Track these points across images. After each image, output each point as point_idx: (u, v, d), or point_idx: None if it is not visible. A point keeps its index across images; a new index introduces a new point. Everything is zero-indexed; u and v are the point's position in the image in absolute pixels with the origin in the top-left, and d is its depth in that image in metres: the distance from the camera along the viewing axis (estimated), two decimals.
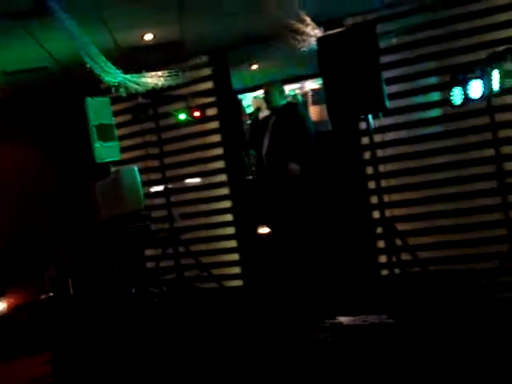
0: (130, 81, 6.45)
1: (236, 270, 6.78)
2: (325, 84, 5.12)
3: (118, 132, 7.27)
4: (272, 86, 5.54)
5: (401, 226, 5.40)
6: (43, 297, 6.33)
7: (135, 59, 6.49)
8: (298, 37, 5.48)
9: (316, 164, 5.45)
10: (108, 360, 4.81)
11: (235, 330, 4.92)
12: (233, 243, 6.82)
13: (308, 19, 5.33)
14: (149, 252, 7.02)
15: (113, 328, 5.26)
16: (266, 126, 5.54)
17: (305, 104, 7.71)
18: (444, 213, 5.56)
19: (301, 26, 5.35)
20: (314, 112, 7.55)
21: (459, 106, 5.11)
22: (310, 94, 7.63)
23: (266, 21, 5.41)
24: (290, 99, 6.99)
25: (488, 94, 4.95)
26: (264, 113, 5.89)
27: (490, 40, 5.32)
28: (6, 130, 7.41)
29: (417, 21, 5.58)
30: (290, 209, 5.38)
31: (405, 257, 5.13)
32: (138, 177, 6.21)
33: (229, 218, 6.83)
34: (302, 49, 5.50)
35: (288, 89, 7.62)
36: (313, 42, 5.34)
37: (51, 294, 6.31)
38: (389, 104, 4.87)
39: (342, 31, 5.14)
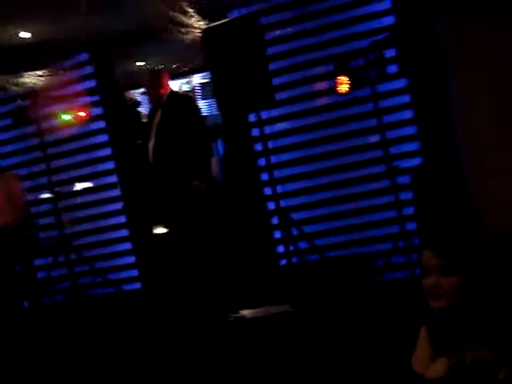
0: (8, 82, 6.13)
1: (133, 272, 6.58)
2: (212, 77, 5.06)
3: None
4: (153, 76, 5.35)
5: (296, 215, 5.44)
6: None
7: (12, 59, 6.17)
8: (183, 29, 5.38)
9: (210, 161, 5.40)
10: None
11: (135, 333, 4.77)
12: (128, 245, 6.61)
13: (191, 11, 5.24)
14: (40, 261, 6.67)
15: (4, 345, 4.96)
16: (152, 120, 5.36)
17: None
18: (337, 199, 5.66)
19: (185, 19, 5.25)
20: (204, 106, 7.50)
21: (344, 94, 5.24)
22: (198, 88, 7.55)
23: (148, 14, 5.27)
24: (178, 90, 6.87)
25: (371, 81, 5.10)
26: (144, 106, 5.69)
27: (371, 29, 5.44)
28: None
29: (299, 12, 5.65)
30: (184, 207, 5.28)
31: (302, 245, 5.18)
32: (20, 184, 5.89)
33: (122, 219, 6.61)
34: (188, 41, 5.41)
35: (176, 83, 7.52)
36: (198, 34, 5.26)
37: None
38: (277, 95, 4.89)
39: (227, 22, 5.12)
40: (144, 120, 6.08)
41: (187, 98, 5.67)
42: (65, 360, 4.52)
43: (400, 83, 5.43)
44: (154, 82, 5.30)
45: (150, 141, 5.29)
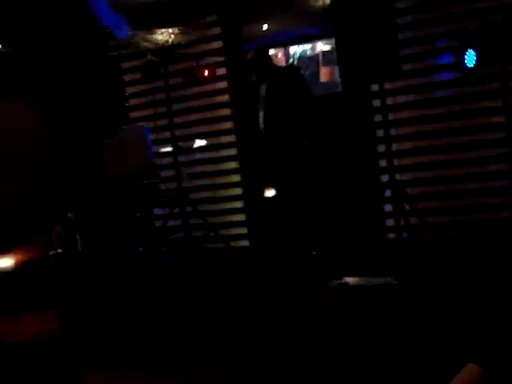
0: (140, 37, 6.41)
1: (243, 230, 6.81)
2: (337, 44, 5.08)
3: (127, 90, 7.27)
4: (260, 51, 5.52)
5: (409, 190, 5.40)
6: (51, 253, 6.37)
7: (145, 15, 6.43)
8: None
9: (321, 127, 5.48)
10: (114, 317, 4.87)
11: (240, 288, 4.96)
12: (240, 204, 6.84)
13: None
14: (157, 211, 7.06)
15: (120, 285, 5.31)
16: (259, 91, 5.53)
17: (309, 66, 7.64)
18: (453, 178, 5.55)
19: None
20: (325, 73, 7.49)
21: (472, 69, 5.07)
22: (320, 54, 7.54)
23: None
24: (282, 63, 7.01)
25: (499, 59, 4.90)
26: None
27: (504, 4, 5.21)
28: (8, 87, 7.29)
29: None
30: (298, 172, 5.41)
31: (412, 221, 5.14)
32: (148, 135, 6.21)
33: (236, 178, 6.84)
34: (316, 7, 5.43)
35: (299, 49, 7.58)
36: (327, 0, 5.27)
37: (59, 251, 6.35)
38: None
39: None
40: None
41: (291, 70, 5.82)
42: (172, 303, 4.81)
43: None
44: (253, 63, 5.49)
45: (260, 110, 5.47)
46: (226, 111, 6.83)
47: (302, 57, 7.74)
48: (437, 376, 2.26)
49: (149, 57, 6.71)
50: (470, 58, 4.95)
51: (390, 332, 3.83)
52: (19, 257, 6.32)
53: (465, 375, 2.03)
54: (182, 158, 6.99)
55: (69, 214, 6.45)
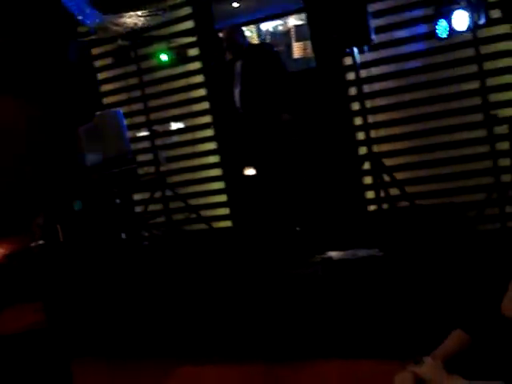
0: (109, 22, 6.31)
1: (224, 211, 6.81)
2: (309, 18, 5.04)
3: (99, 76, 7.19)
4: (232, 30, 5.49)
5: (388, 162, 5.42)
6: (33, 245, 6.31)
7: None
8: None
9: (298, 103, 5.47)
10: (99, 306, 4.85)
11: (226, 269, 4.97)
12: (220, 185, 6.82)
13: None
14: (137, 196, 7.02)
15: (104, 273, 5.29)
16: (233, 69, 5.51)
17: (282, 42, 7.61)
18: (430, 147, 5.58)
19: None
20: (298, 48, 7.45)
21: (444, 38, 5.08)
22: (293, 30, 7.49)
23: None
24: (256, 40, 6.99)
25: (473, 26, 4.91)
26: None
27: None
28: None
29: None
30: (275, 148, 5.41)
31: (392, 192, 5.17)
32: (123, 120, 6.14)
33: (215, 159, 6.81)
34: None
35: (270, 25, 7.53)
36: None
37: (41, 242, 6.30)
38: (374, 37, 4.82)
39: None
40: None
41: (261, 47, 5.81)
42: (157, 287, 4.80)
43: (503, 29, 5.20)
44: (228, 40, 5.46)
45: (235, 88, 5.44)
46: (201, 92, 6.78)
47: (275, 33, 7.68)
48: (425, 343, 2.29)
49: (119, 42, 6.63)
50: (443, 28, 4.95)
51: (376, 302, 3.86)
52: (1, 250, 6.24)
53: (452, 341, 2.06)
54: (158, 142, 6.96)
55: (50, 205, 6.38)
